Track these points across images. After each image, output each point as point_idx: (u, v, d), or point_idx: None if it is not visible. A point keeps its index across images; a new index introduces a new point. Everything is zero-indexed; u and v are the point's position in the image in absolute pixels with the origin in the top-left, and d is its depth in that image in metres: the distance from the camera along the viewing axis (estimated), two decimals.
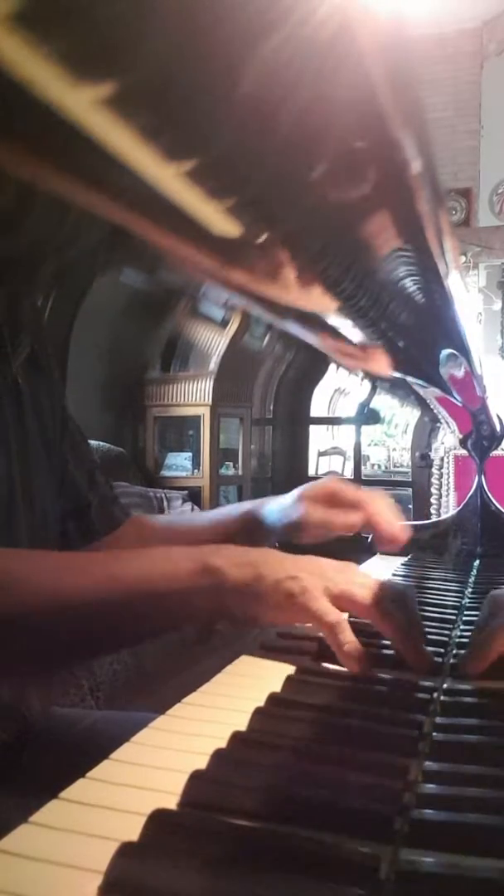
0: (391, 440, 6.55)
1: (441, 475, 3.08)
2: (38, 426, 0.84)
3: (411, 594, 0.66)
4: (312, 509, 0.88)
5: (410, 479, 4.55)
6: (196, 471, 4.09)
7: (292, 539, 0.89)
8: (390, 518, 0.88)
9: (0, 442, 0.77)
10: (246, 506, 0.94)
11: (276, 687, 0.58)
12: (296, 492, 0.90)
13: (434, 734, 0.48)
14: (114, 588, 0.60)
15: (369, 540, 1.38)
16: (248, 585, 0.60)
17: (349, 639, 0.60)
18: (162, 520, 1.08)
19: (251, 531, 0.91)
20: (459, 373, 1.07)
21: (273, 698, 0.54)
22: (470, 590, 1.01)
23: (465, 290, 0.73)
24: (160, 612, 0.62)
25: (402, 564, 1.25)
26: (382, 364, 0.61)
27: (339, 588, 0.62)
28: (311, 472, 5.29)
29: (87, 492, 0.92)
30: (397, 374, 1.07)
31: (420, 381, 1.21)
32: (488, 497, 1.36)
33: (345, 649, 0.60)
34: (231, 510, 0.95)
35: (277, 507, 0.89)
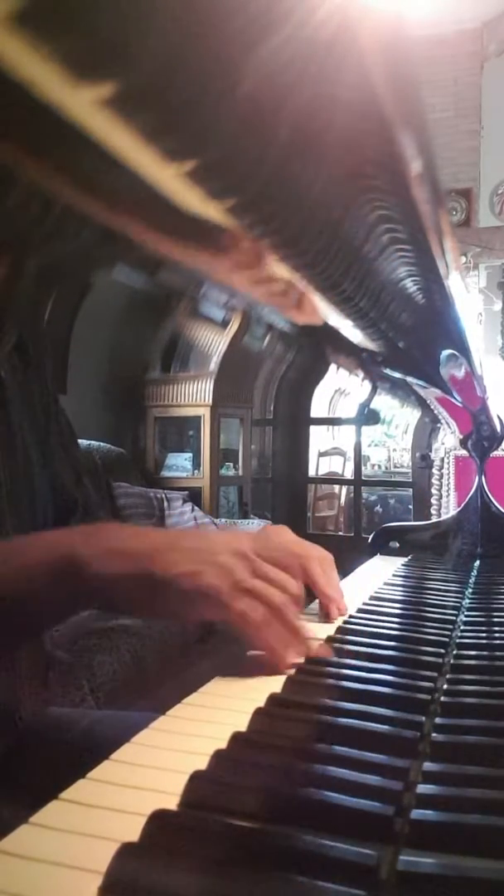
0: (391, 441, 6.55)
1: (441, 476, 3.08)
2: (27, 419, 0.82)
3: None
4: None
5: (411, 480, 4.56)
6: (196, 471, 4.09)
7: None
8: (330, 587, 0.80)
9: None
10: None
11: (277, 687, 0.57)
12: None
13: (434, 735, 0.48)
14: None
15: (370, 539, 1.39)
16: (128, 583, 0.56)
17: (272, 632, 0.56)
18: (142, 530, 1.06)
19: None
20: (460, 373, 1.07)
21: (273, 699, 0.54)
22: (470, 590, 1.01)
23: (465, 291, 0.73)
24: (23, 606, 0.59)
25: (403, 565, 1.25)
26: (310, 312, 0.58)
27: (237, 573, 0.57)
28: (312, 472, 5.29)
29: (73, 492, 0.91)
30: (396, 374, 1.07)
31: (420, 382, 1.21)
32: (488, 497, 1.36)
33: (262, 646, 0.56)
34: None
35: None
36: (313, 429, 5.12)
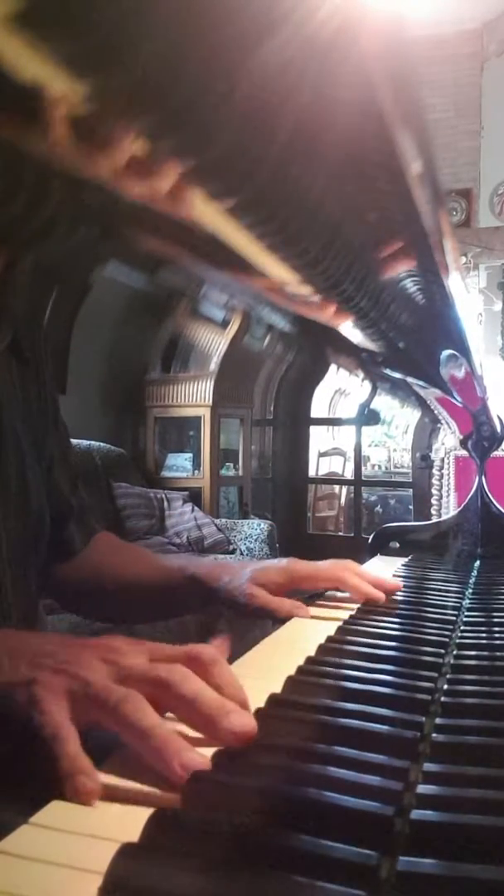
0: (392, 441, 6.55)
1: (441, 476, 3.08)
2: (21, 420, 0.81)
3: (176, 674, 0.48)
4: (257, 595, 0.85)
5: (411, 480, 4.56)
6: (196, 471, 4.09)
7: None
8: (365, 587, 0.88)
9: None
10: (199, 565, 0.92)
11: (277, 688, 0.57)
12: (248, 571, 0.87)
13: (434, 735, 0.48)
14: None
15: (370, 540, 1.39)
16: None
17: (70, 751, 0.43)
18: (129, 546, 1.06)
19: (195, 594, 0.89)
20: (460, 373, 1.07)
21: (273, 699, 0.54)
22: (470, 591, 1.01)
23: (465, 291, 0.73)
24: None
25: (403, 565, 1.25)
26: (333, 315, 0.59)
27: (84, 686, 0.46)
28: (312, 472, 5.29)
29: (69, 498, 0.90)
30: (396, 375, 1.07)
31: (421, 382, 1.21)
32: (489, 498, 1.36)
33: (63, 763, 0.42)
34: (184, 566, 0.92)
35: (226, 583, 0.86)
36: (313, 429, 5.12)
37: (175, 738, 0.43)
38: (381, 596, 0.89)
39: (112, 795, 0.41)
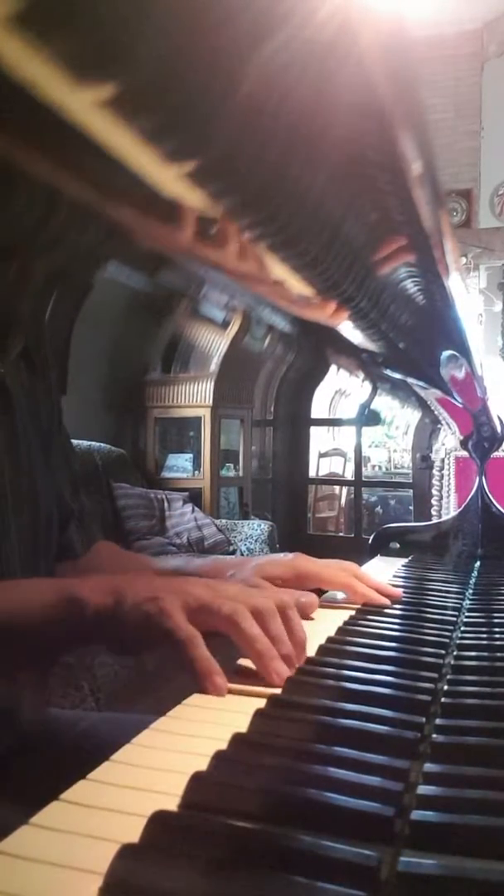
0: (392, 441, 6.55)
1: (442, 476, 3.08)
2: (33, 428, 0.83)
3: (269, 609, 0.62)
4: (263, 586, 0.84)
5: (411, 481, 4.56)
6: (197, 472, 4.09)
7: None
8: (373, 595, 0.91)
9: None
10: (198, 568, 0.92)
11: (277, 689, 0.57)
12: (253, 566, 0.89)
13: (434, 736, 0.48)
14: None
15: (370, 541, 1.39)
16: (108, 612, 0.60)
17: (201, 655, 0.57)
18: (128, 554, 1.08)
19: None
20: (460, 374, 1.07)
21: (274, 700, 0.54)
22: (471, 591, 1.01)
23: (465, 292, 0.73)
24: (25, 641, 0.63)
25: (403, 566, 1.25)
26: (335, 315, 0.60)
27: (199, 602, 0.60)
28: (312, 473, 5.29)
29: (71, 503, 0.92)
30: (396, 375, 1.07)
31: (421, 383, 1.21)
32: (489, 498, 1.36)
33: (195, 665, 0.56)
34: (196, 569, 0.93)
35: (230, 576, 0.87)
36: (314, 430, 5.12)
37: (272, 648, 0.59)
38: (387, 602, 0.90)
39: (112, 796, 0.41)
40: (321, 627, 0.78)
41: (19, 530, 0.78)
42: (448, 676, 0.61)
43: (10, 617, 0.62)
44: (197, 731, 0.50)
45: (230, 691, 0.57)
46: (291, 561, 0.90)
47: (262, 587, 0.67)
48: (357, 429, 4.70)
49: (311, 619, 0.84)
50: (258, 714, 0.51)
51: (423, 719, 0.50)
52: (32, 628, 0.62)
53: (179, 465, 4.15)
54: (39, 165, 0.24)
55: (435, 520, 1.53)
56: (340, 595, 0.93)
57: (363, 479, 5.00)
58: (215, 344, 4.01)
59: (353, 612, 0.85)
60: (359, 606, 0.88)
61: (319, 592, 0.93)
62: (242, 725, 0.49)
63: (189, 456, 4.15)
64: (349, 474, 5.58)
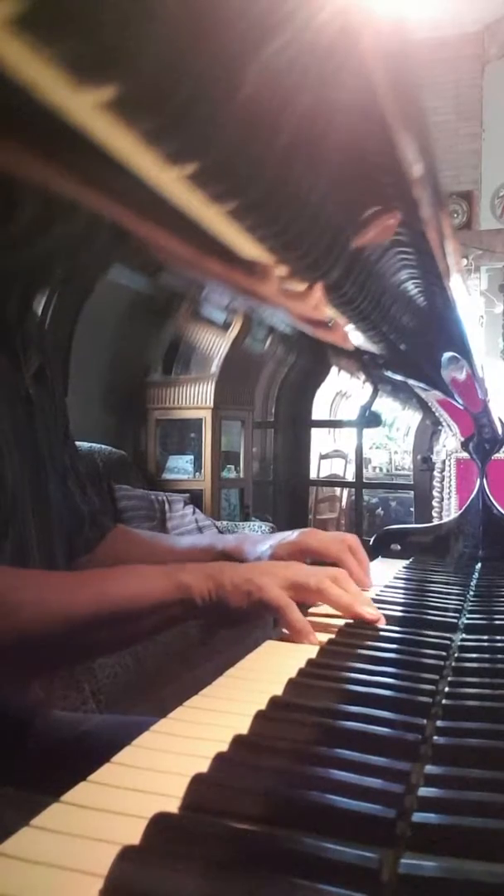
0: (393, 443, 6.55)
1: (443, 478, 3.08)
2: (47, 437, 0.88)
3: (343, 576, 0.81)
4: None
5: (412, 482, 4.55)
6: (198, 474, 4.09)
7: None
8: (356, 570, 0.99)
9: (15, 449, 0.80)
10: (226, 542, 1.02)
11: (278, 690, 0.57)
12: (271, 541, 0.99)
13: (436, 738, 0.48)
14: (103, 605, 0.71)
15: (371, 543, 1.39)
16: (212, 594, 0.72)
17: (298, 617, 0.73)
18: (144, 534, 1.13)
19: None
20: (461, 376, 1.07)
21: (275, 701, 0.54)
22: (472, 593, 1.01)
23: (466, 294, 0.73)
24: (142, 622, 0.73)
25: (404, 568, 1.25)
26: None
27: (286, 578, 0.75)
28: (313, 474, 5.29)
29: (81, 504, 0.97)
30: (397, 377, 1.07)
31: (422, 384, 1.21)
32: (490, 500, 1.36)
33: (297, 626, 0.73)
34: (211, 542, 1.02)
35: (251, 551, 0.98)
36: (315, 431, 5.11)
37: (357, 598, 0.79)
38: (368, 582, 1.01)
39: (113, 798, 0.41)
40: (322, 629, 0.78)
41: (38, 535, 0.82)
42: (449, 678, 0.61)
43: (129, 601, 0.72)
44: (198, 733, 0.50)
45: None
46: (297, 539, 0.99)
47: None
48: (358, 430, 4.69)
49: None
50: (259, 716, 0.51)
51: (425, 721, 0.50)
52: (149, 611, 0.72)
53: (180, 466, 4.15)
54: (40, 168, 0.24)
55: (436, 521, 1.53)
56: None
57: (364, 480, 5.00)
58: (216, 346, 4.01)
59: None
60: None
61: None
62: (243, 727, 0.49)
63: (190, 457, 4.15)
64: (350, 476, 5.58)
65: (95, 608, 0.70)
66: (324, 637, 0.74)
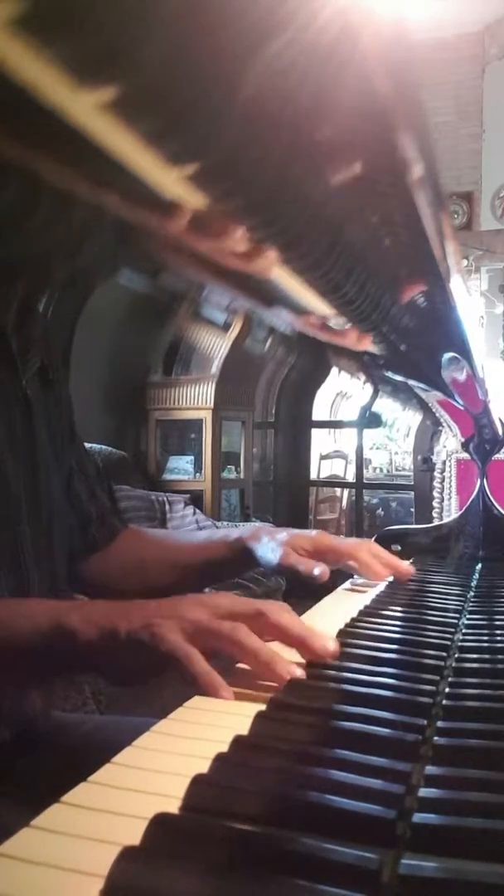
0: (393, 444, 6.55)
1: (443, 479, 3.08)
2: (47, 438, 0.89)
3: (258, 616, 0.64)
4: (289, 553, 0.95)
5: (412, 483, 4.55)
6: (198, 474, 4.09)
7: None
8: (375, 565, 1.00)
9: (10, 451, 0.80)
10: (235, 534, 1.02)
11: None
12: (284, 535, 0.97)
13: (436, 738, 0.48)
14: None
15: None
16: (102, 642, 0.60)
17: (202, 669, 0.58)
18: (158, 534, 1.14)
19: (239, 560, 1.00)
20: (461, 376, 1.07)
21: (275, 702, 0.54)
22: (472, 593, 1.01)
23: (466, 294, 0.73)
24: (18, 666, 0.65)
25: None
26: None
27: (195, 622, 0.61)
28: (313, 475, 5.29)
29: (88, 505, 0.98)
30: (398, 377, 1.07)
31: (422, 385, 1.21)
32: (490, 501, 1.36)
33: (199, 680, 0.57)
34: (224, 535, 1.02)
35: (263, 544, 0.97)
36: (315, 432, 5.11)
37: (278, 654, 0.60)
38: (386, 574, 1.00)
39: (114, 798, 0.41)
40: (322, 629, 0.78)
41: (35, 534, 0.83)
42: (449, 679, 0.61)
43: (9, 640, 0.63)
44: (198, 734, 0.50)
45: (237, 696, 0.58)
46: (314, 537, 0.98)
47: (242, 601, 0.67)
48: (358, 431, 4.69)
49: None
50: (259, 716, 0.51)
51: (425, 722, 0.50)
52: (21, 652, 0.63)
53: (181, 467, 4.15)
54: (40, 168, 0.24)
55: (436, 522, 1.52)
56: (360, 580, 1.03)
57: (364, 481, 4.99)
58: (217, 346, 4.01)
59: (354, 615, 0.85)
60: (360, 608, 0.88)
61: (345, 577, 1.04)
62: (243, 728, 0.49)
63: (190, 458, 4.15)
64: (350, 476, 5.58)
65: None
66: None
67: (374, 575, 1.01)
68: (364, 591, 0.99)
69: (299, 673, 0.60)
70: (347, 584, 1.06)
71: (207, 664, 0.58)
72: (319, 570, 0.91)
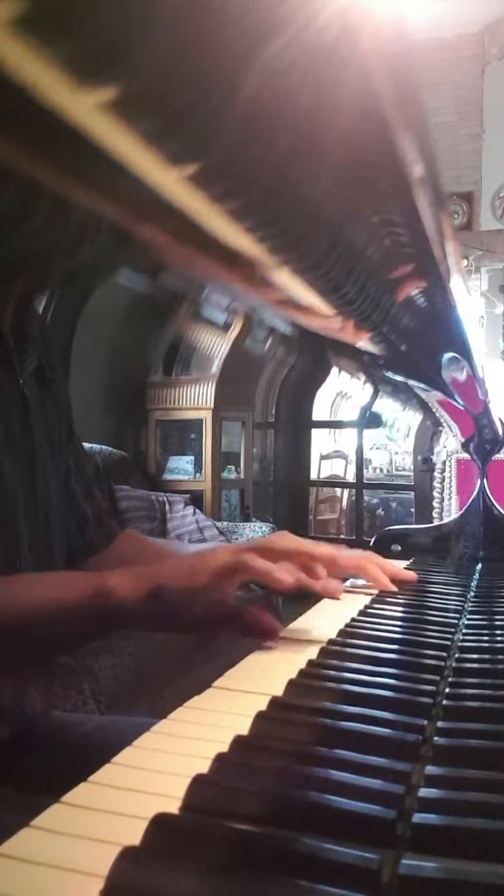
0: (393, 444, 6.55)
1: (443, 479, 3.08)
2: (45, 438, 0.88)
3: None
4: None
5: (412, 483, 4.55)
6: (198, 474, 4.09)
7: None
8: (386, 582, 0.98)
9: (7, 451, 0.80)
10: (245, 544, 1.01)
11: (279, 691, 0.57)
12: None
13: (436, 738, 0.48)
14: (24, 610, 0.68)
15: (371, 543, 1.39)
16: (149, 594, 0.67)
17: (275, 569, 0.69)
18: (157, 543, 1.15)
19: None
20: (462, 376, 1.07)
21: (275, 702, 0.54)
22: (472, 593, 1.01)
23: (467, 294, 0.73)
24: (57, 629, 0.70)
25: (405, 568, 1.25)
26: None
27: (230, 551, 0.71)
28: (313, 475, 5.29)
29: (85, 506, 0.97)
30: (398, 377, 1.07)
31: (422, 385, 1.21)
32: (490, 501, 1.36)
33: (282, 584, 0.69)
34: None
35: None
36: (315, 432, 5.12)
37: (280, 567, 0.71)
38: (392, 587, 0.99)
39: (114, 798, 0.41)
40: (322, 629, 0.78)
41: (33, 535, 0.83)
42: (450, 679, 0.61)
43: (33, 607, 0.68)
44: (198, 734, 0.50)
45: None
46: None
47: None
48: (358, 431, 4.69)
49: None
50: (259, 716, 0.51)
51: (425, 722, 0.50)
52: (60, 617, 0.68)
53: (181, 467, 4.15)
54: (40, 169, 0.24)
55: (436, 522, 1.52)
56: (361, 581, 1.02)
57: (364, 481, 5.00)
58: (217, 346, 4.01)
59: (354, 615, 0.85)
60: (360, 608, 0.88)
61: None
62: (243, 728, 0.49)
63: (190, 458, 4.15)
64: (350, 476, 5.58)
65: (16, 615, 0.68)
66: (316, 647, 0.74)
67: (382, 587, 0.99)
68: (363, 591, 0.99)
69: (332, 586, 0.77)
70: (348, 584, 1.05)
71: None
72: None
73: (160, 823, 0.35)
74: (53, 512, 0.88)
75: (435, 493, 3.12)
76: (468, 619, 0.85)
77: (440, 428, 2.37)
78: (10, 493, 0.80)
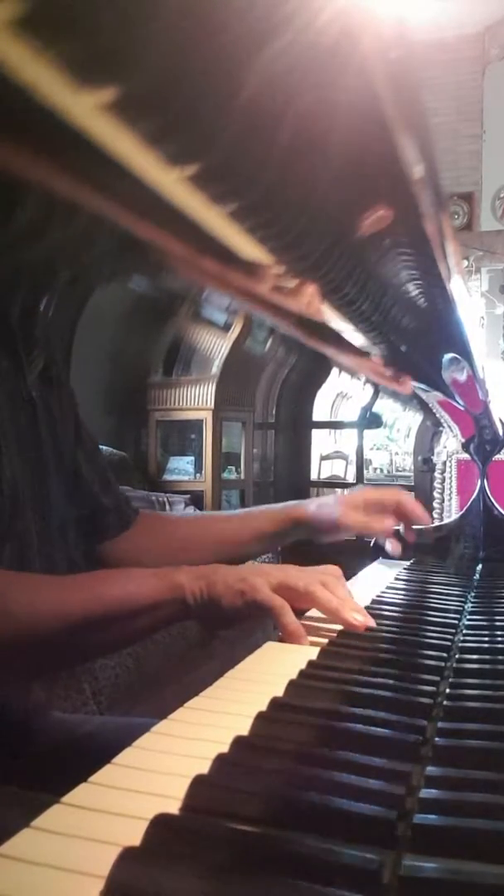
0: (393, 444, 6.55)
1: (443, 479, 3.07)
2: (51, 437, 0.90)
3: (332, 580, 0.80)
4: (350, 513, 1.08)
5: (413, 484, 4.55)
6: (198, 475, 4.09)
7: (315, 539, 1.10)
8: (421, 512, 1.12)
9: (16, 451, 0.81)
10: (279, 507, 1.10)
11: (279, 691, 0.57)
12: (332, 498, 1.09)
13: (437, 739, 0.48)
14: (95, 607, 0.72)
15: (372, 544, 1.39)
16: (204, 593, 0.74)
17: (291, 619, 0.73)
18: (185, 515, 1.17)
19: (284, 533, 1.09)
20: (462, 377, 1.07)
21: (275, 703, 0.54)
22: (472, 594, 1.01)
23: (467, 295, 0.73)
24: (135, 622, 0.74)
25: (405, 569, 1.25)
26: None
27: (278, 580, 0.75)
28: (314, 475, 5.29)
29: (101, 496, 0.99)
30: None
31: (423, 385, 1.21)
32: (491, 501, 1.36)
33: (289, 628, 0.73)
34: (265, 510, 1.10)
35: (317, 510, 1.08)
36: (315, 432, 5.11)
37: (345, 604, 0.78)
38: (427, 519, 1.12)
39: (114, 799, 0.41)
40: (322, 629, 0.78)
41: (41, 536, 0.84)
42: (450, 679, 0.61)
43: (120, 601, 0.73)
44: (198, 734, 0.50)
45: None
46: (362, 495, 1.11)
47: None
48: (359, 431, 4.69)
49: None
50: (259, 717, 0.51)
51: (426, 722, 0.50)
52: (141, 611, 0.74)
53: (181, 467, 4.15)
54: (41, 169, 0.24)
55: (437, 523, 1.52)
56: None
57: (365, 481, 4.99)
58: (217, 347, 4.01)
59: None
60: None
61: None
62: (243, 728, 0.49)
63: (191, 459, 4.15)
64: (351, 477, 5.58)
65: (87, 610, 0.71)
66: (321, 641, 0.74)
67: (420, 517, 1.13)
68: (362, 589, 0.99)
69: (361, 619, 0.77)
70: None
71: (294, 616, 0.74)
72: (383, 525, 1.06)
73: (160, 824, 0.35)
74: (61, 510, 0.89)
75: (435, 494, 3.12)
76: (468, 620, 0.85)
77: (440, 428, 2.37)
78: (20, 493, 0.80)
